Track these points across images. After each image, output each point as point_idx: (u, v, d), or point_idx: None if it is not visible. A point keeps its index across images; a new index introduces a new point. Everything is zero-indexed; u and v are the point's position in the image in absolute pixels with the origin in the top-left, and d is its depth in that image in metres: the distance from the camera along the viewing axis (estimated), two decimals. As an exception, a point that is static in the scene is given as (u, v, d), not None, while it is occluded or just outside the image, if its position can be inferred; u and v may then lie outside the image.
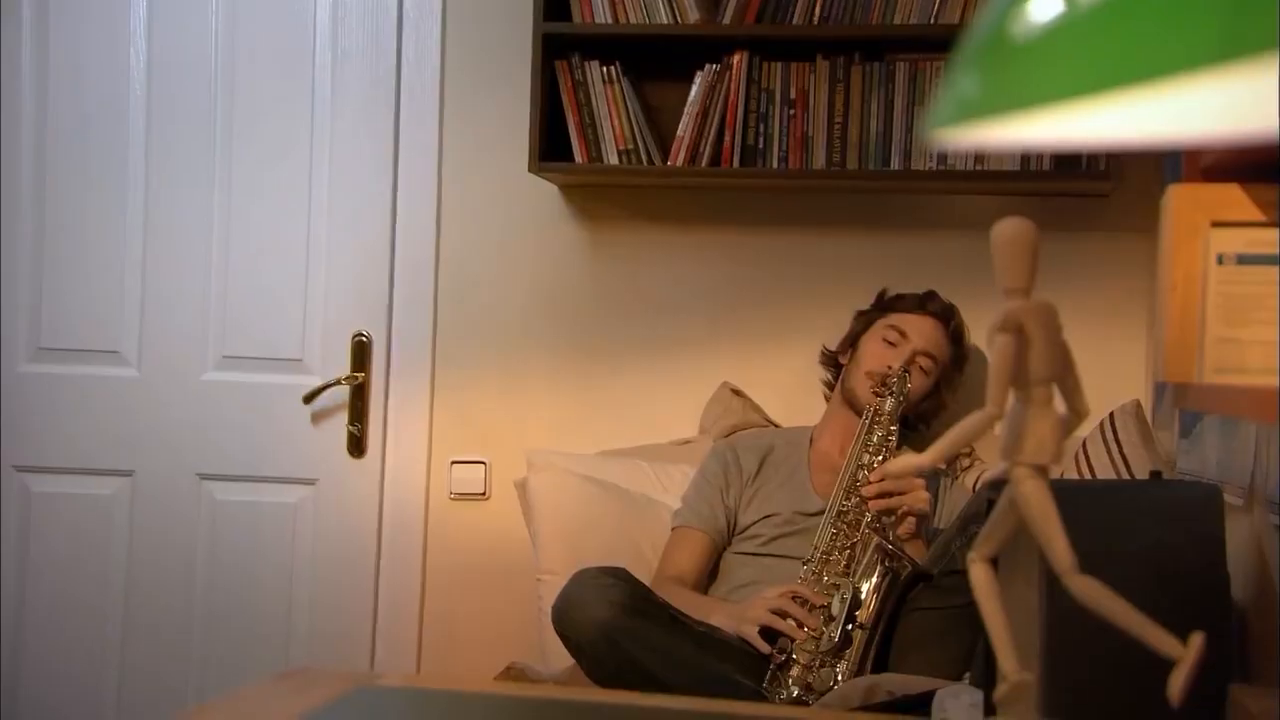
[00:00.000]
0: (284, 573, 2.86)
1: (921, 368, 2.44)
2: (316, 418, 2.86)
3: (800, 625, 2.13)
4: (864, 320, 2.55)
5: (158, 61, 2.88)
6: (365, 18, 2.86)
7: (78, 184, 2.90)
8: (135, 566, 2.89)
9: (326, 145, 2.85)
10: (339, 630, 2.85)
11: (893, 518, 2.24)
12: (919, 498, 2.23)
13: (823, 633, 2.13)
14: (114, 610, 2.89)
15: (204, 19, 2.88)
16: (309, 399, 2.84)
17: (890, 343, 2.45)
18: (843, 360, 2.55)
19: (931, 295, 2.53)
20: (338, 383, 2.85)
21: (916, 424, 2.52)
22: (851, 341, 2.54)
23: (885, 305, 2.54)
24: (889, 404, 2.34)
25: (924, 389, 2.45)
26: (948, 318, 2.51)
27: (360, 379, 2.85)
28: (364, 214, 2.85)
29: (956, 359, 2.53)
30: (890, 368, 2.40)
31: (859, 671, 2.09)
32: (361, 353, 2.85)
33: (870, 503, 2.24)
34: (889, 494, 2.23)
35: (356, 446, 2.86)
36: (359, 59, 2.85)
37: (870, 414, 2.35)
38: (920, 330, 2.46)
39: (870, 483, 2.26)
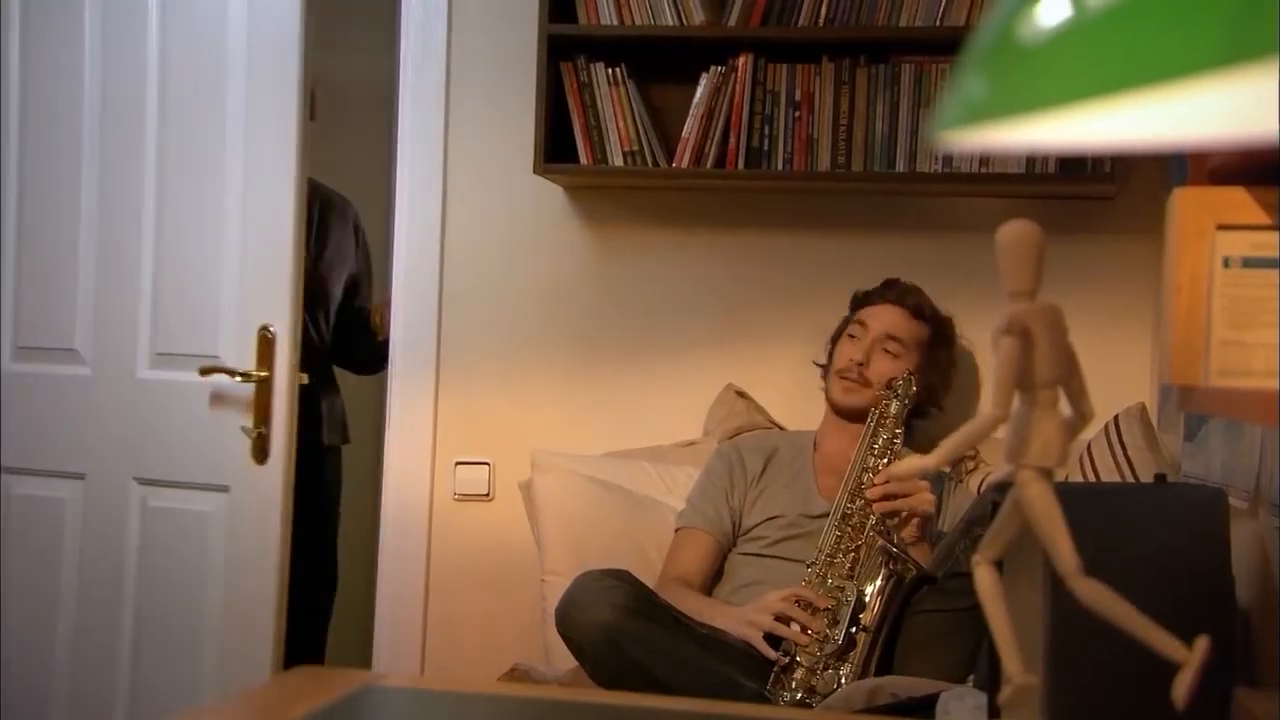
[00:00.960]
0: (198, 583, 2.65)
1: (888, 350, 2.45)
2: (232, 418, 2.63)
3: (804, 629, 2.13)
4: (838, 327, 2.57)
5: (114, 63, 2.75)
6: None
7: (51, 182, 2.79)
8: (86, 576, 2.75)
9: (241, 137, 2.64)
10: (249, 641, 2.63)
11: (896, 520, 2.24)
12: (923, 500, 2.23)
13: (826, 635, 2.13)
14: (66, 619, 2.75)
15: (145, 15, 2.72)
16: (205, 373, 2.58)
17: (853, 337, 2.48)
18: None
19: (890, 283, 2.54)
20: (233, 374, 2.57)
21: (926, 409, 2.51)
22: (830, 346, 2.56)
23: (854, 304, 2.57)
24: (894, 407, 2.35)
25: (898, 372, 2.43)
26: (905, 298, 2.50)
27: (265, 376, 2.57)
28: (270, 201, 2.62)
29: (935, 335, 2.51)
30: (852, 360, 2.42)
31: (863, 674, 2.09)
32: (267, 348, 2.58)
33: (874, 505, 2.24)
34: (893, 496, 2.23)
35: (261, 450, 2.58)
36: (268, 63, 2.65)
37: (875, 416, 2.35)
38: (879, 317, 2.48)
39: (875, 485, 2.26)
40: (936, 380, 2.51)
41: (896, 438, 2.33)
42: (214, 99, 2.65)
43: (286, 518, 2.59)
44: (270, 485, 2.59)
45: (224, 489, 2.63)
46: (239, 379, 2.57)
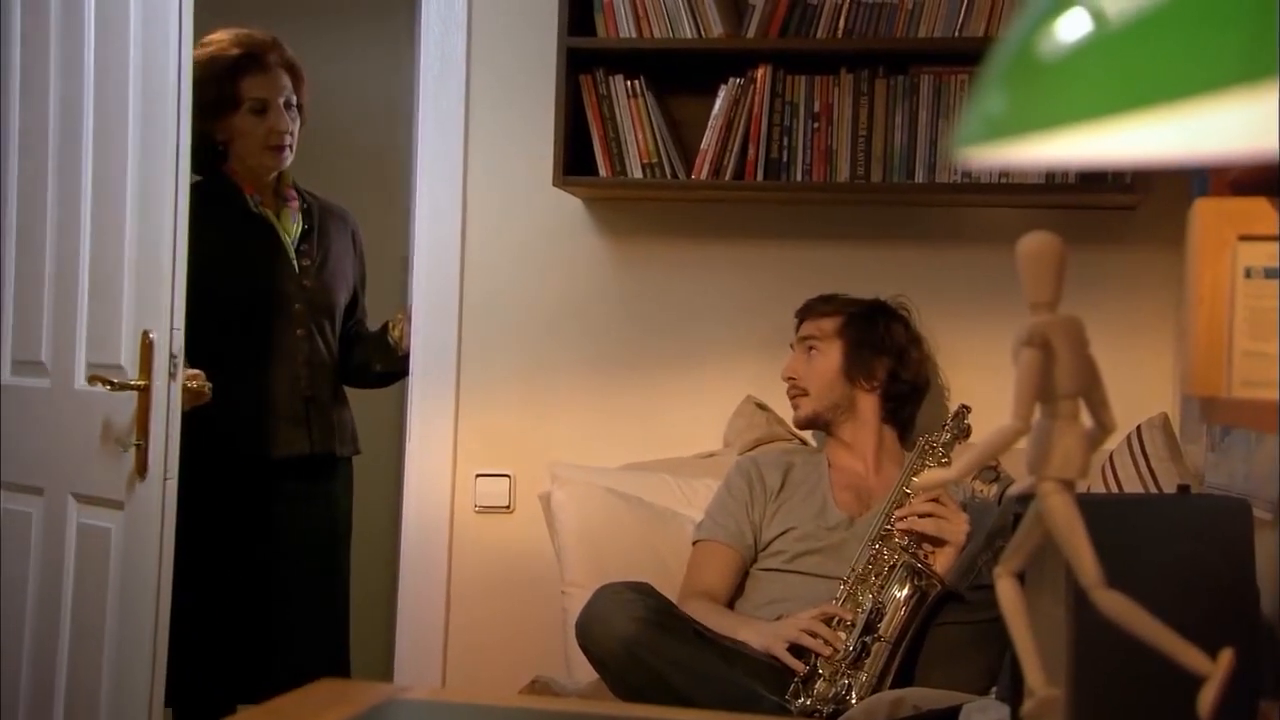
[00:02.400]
0: (100, 606, 2.52)
1: (812, 349, 2.53)
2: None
3: (828, 643, 2.13)
4: None
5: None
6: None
7: (34, 194, 2.75)
8: (43, 593, 2.66)
9: (140, 153, 2.54)
10: (133, 678, 2.48)
11: (930, 549, 2.24)
12: (950, 528, 2.23)
13: (844, 645, 2.13)
14: (29, 639, 2.65)
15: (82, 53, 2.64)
16: (92, 381, 2.46)
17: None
18: None
19: (800, 310, 2.60)
20: (108, 384, 2.42)
21: (893, 390, 2.53)
22: None
23: None
24: (945, 437, 2.39)
25: (827, 365, 2.50)
26: (808, 310, 2.57)
27: (144, 385, 2.40)
28: (156, 208, 2.50)
29: (849, 318, 2.53)
30: (786, 379, 2.55)
31: (879, 685, 2.09)
32: (148, 355, 2.41)
33: (899, 524, 2.25)
34: (929, 516, 2.24)
35: (141, 465, 2.41)
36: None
37: (924, 443, 2.39)
38: (800, 333, 2.57)
39: (909, 508, 2.26)
40: (869, 353, 2.51)
41: (944, 465, 2.33)
42: (121, 125, 2.55)
43: (167, 539, 2.41)
44: (149, 502, 2.41)
45: (119, 505, 2.48)
46: (108, 388, 2.42)
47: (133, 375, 2.44)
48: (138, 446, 2.42)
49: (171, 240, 2.45)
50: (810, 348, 2.53)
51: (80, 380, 2.60)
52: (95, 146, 2.65)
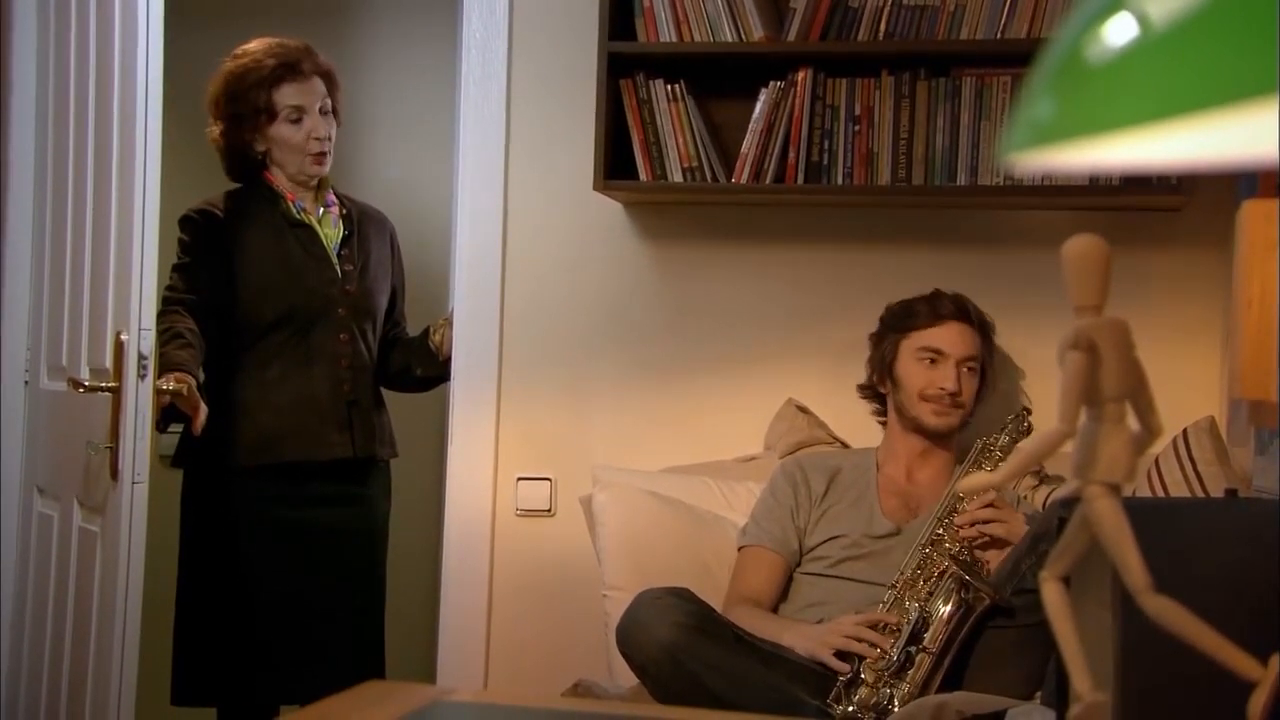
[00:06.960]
0: (86, 609, 2.51)
1: (970, 370, 2.44)
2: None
3: (875, 645, 2.13)
4: (886, 346, 2.49)
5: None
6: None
7: (57, 203, 2.82)
8: (57, 593, 2.67)
9: (115, 161, 2.55)
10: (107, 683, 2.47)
11: (985, 547, 2.23)
12: (1016, 530, 2.22)
13: (887, 653, 2.12)
14: (47, 646, 2.66)
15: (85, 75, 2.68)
16: (76, 385, 2.45)
17: (932, 361, 2.43)
18: (884, 390, 2.53)
19: (938, 297, 2.47)
20: (78, 385, 2.41)
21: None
22: (885, 370, 2.50)
23: (898, 325, 2.49)
24: (1004, 440, 2.37)
25: (976, 388, 2.46)
26: (965, 313, 2.46)
27: (114, 386, 2.38)
28: (127, 212, 2.51)
29: (987, 341, 2.51)
30: (944, 389, 2.39)
31: (921, 694, 2.08)
32: (120, 356, 2.39)
33: (962, 531, 2.24)
34: (983, 522, 2.23)
35: (112, 468, 2.39)
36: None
37: (981, 446, 2.38)
38: (950, 340, 2.44)
39: (970, 512, 2.25)
40: (991, 377, 2.51)
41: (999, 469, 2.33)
42: (107, 139, 2.58)
43: (135, 545, 2.39)
44: (120, 506, 2.38)
45: (100, 509, 2.48)
46: (81, 390, 2.41)
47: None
48: (109, 450, 2.39)
49: (140, 240, 2.43)
50: (970, 368, 2.43)
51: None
52: (95, 140, 2.64)
